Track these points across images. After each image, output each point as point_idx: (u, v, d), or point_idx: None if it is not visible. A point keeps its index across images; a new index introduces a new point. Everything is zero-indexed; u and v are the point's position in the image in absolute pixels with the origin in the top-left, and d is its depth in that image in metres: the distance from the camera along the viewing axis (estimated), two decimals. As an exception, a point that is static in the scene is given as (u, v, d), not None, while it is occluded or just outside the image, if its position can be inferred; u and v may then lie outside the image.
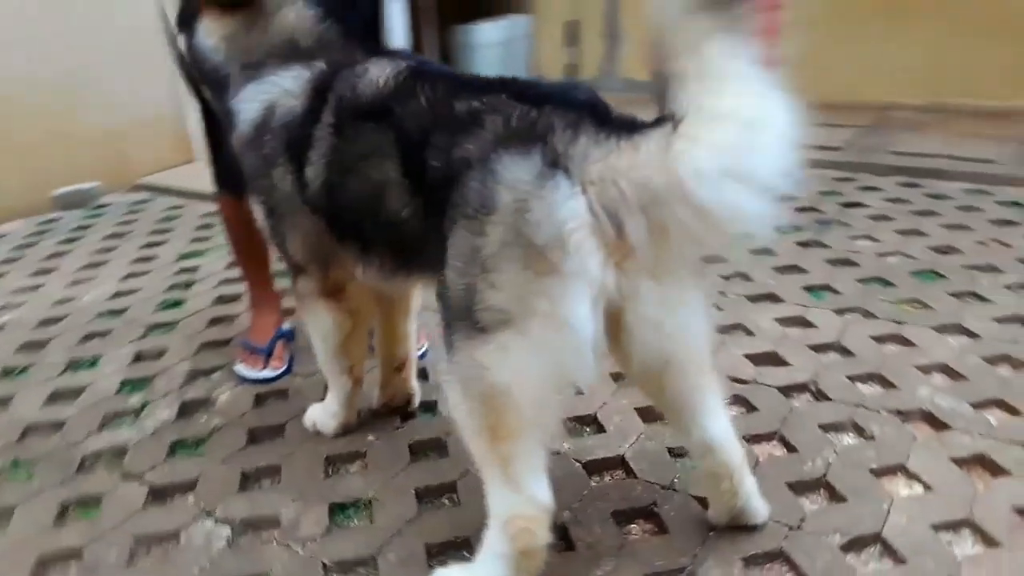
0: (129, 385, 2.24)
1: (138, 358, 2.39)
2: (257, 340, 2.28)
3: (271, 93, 1.59)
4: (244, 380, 2.21)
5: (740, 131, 1.06)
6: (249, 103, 1.61)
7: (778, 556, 1.49)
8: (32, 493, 1.79)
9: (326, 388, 1.92)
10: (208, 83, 1.76)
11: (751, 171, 1.06)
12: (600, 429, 1.90)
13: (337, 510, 1.69)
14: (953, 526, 1.55)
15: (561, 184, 1.14)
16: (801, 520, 1.56)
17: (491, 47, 5.27)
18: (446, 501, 1.71)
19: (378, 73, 1.46)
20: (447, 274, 1.25)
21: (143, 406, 2.12)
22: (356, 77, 1.48)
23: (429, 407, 2.04)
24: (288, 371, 2.25)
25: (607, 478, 1.74)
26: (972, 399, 1.92)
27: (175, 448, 1.94)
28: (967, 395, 1.94)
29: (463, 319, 1.23)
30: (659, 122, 1.13)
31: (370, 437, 1.92)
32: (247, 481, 1.80)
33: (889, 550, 1.50)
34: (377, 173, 1.41)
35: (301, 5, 1.66)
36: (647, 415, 1.90)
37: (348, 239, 1.57)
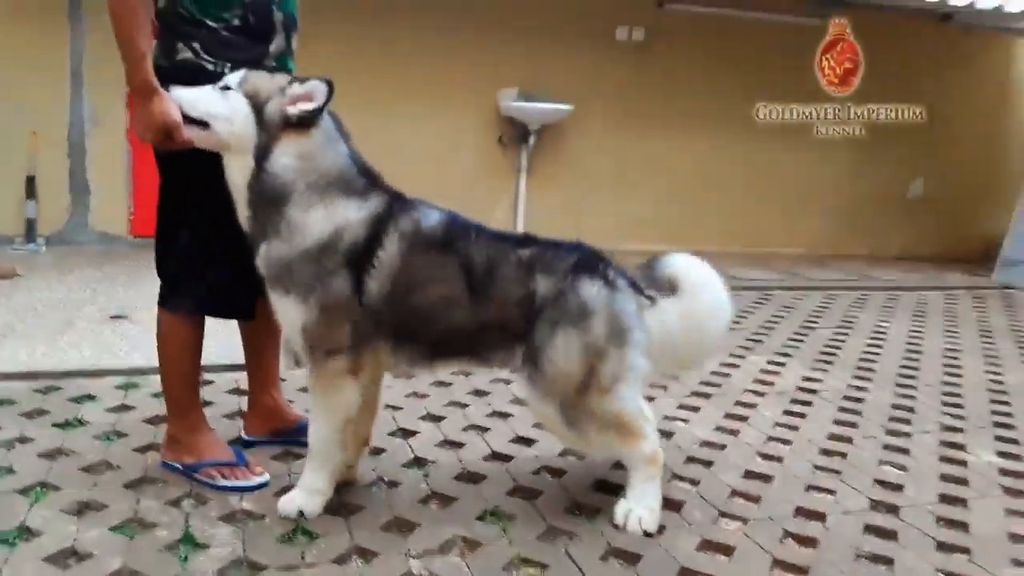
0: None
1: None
2: (220, 456, 2.21)
3: (340, 219, 1.95)
4: (241, 490, 2.13)
5: None
6: (319, 223, 1.94)
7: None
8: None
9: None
10: (266, 199, 1.95)
11: None
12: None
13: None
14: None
15: (627, 294, 2.05)
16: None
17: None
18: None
19: (430, 216, 2.01)
20: (554, 361, 1.95)
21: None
22: (415, 218, 1.99)
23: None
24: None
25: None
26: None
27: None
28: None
29: (581, 391, 1.96)
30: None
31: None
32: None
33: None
34: (442, 291, 1.97)
35: (342, 142, 2.01)
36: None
37: (392, 335, 2.00)
